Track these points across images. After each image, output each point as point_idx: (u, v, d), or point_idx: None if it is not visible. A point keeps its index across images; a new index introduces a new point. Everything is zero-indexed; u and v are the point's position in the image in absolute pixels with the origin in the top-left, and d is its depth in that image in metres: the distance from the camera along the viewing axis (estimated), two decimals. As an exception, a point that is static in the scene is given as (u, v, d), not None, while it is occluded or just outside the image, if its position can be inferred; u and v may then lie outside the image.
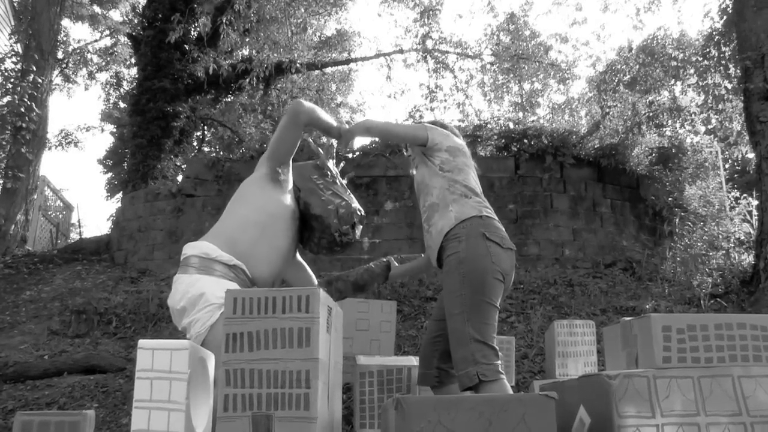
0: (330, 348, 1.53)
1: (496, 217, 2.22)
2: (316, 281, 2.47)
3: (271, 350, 1.40)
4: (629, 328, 1.78)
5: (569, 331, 3.24)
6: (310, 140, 2.56)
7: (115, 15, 15.54)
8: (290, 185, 2.26)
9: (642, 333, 1.66)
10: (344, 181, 2.48)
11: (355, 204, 2.36)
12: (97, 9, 14.81)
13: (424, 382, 2.27)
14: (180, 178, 10.69)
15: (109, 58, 15.99)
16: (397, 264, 2.57)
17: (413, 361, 2.58)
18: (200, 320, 1.91)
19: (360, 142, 7.04)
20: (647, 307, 5.13)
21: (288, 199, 2.21)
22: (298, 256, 2.43)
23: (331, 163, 2.46)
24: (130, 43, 13.04)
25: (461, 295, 2.02)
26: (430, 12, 11.52)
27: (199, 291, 1.92)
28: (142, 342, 1.33)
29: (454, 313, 2.02)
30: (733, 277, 5.88)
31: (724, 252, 6.93)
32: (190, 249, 2.05)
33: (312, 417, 1.35)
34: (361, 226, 2.36)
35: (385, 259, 2.58)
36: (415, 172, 2.46)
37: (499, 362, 1.98)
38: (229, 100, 12.67)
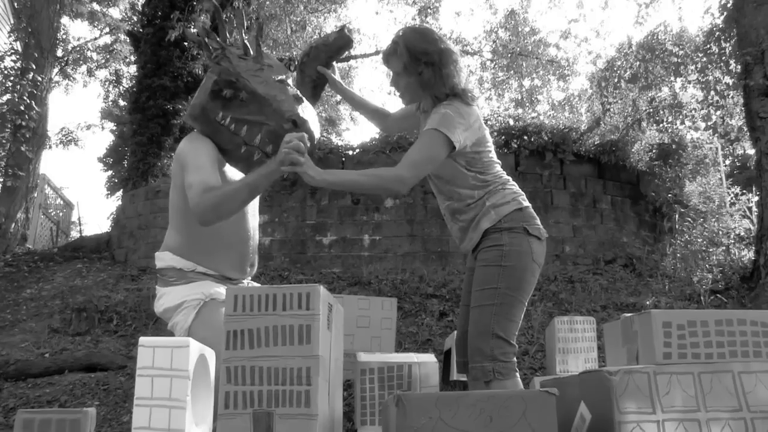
0: (330, 345, 1.53)
1: (528, 202, 2.14)
2: None
3: (271, 347, 1.40)
4: (629, 325, 1.78)
5: (570, 328, 3.24)
6: (189, 32, 2.33)
7: (115, 12, 15.53)
8: (220, 165, 2.02)
9: (642, 329, 1.67)
10: (255, 69, 1.97)
11: (277, 118, 1.93)
12: (96, 6, 14.79)
13: (464, 371, 2.23)
14: (180, 175, 10.66)
15: (108, 56, 15.97)
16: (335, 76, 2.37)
17: (414, 358, 2.58)
18: (179, 323, 1.95)
19: (359, 138, 7.03)
20: (647, 303, 5.13)
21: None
22: None
23: (227, 63, 1.97)
24: (129, 41, 13.02)
25: (497, 288, 1.98)
26: (429, 9, 11.50)
27: (177, 301, 1.96)
28: (142, 339, 1.33)
29: (484, 303, 1.99)
30: (733, 273, 5.89)
31: (724, 248, 6.94)
32: (160, 261, 2.06)
33: (313, 414, 1.35)
34: (302, 127, 1.94)
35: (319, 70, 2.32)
36: None
37: (515, 360, 1.98)
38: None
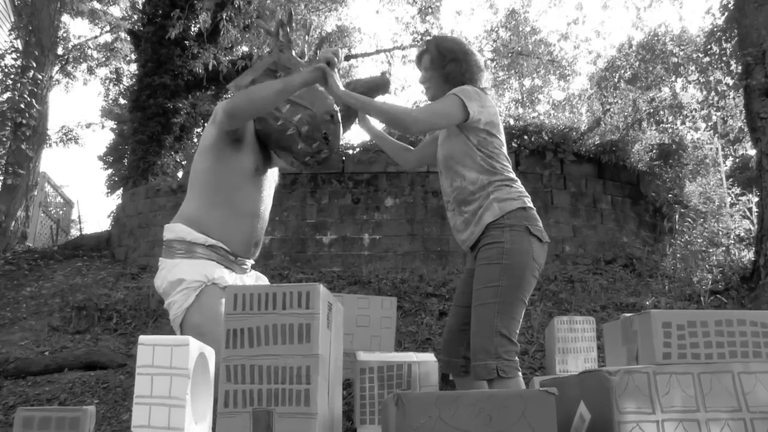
0: (330, 344, 1.53)
1: (532, 204, 2.19)
2: None
3: (271, 346, 1.40)
4: (629, 325, 1.78)
5: (569, 328, 3.24)
6: (261, 22, 2.44)
7: (115, 11, 15.52)
8: (251, 134, 2.12)
9: (642, 329, 1.67)
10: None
11: (320, 106, 2.09)
12: (97, 5, 14.79)
13: (448, 370, 2.25)
14: (180, 174, 10.69)
15: (109, 54, 15.96)
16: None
17: (413, 357, 2.58)
18: (177, 302, 1.93)
19: (360, 138, 7.02)
20: (647, 303, 5.13)
21: (250, 157, 2.09)
22: None
23: (288, 53, 2.19)
24: (130, 39, 13.02)
25: (498, 286, 2.01)
26: (430, 8, 11.49)
27: (178, 276, 1.94)
28: (142, 338, 1.33)
29: (487, 302, 2.01)
30: (733, 273, 5.88)
31: (724, 248, 6.94)
32: (169, 232, 2.06)
33: (312, 413, 1.35)
34: (336, 125, 2.12)
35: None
36: (440, 140, 2.31)
37: (518, 359, 1.99)
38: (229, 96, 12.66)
